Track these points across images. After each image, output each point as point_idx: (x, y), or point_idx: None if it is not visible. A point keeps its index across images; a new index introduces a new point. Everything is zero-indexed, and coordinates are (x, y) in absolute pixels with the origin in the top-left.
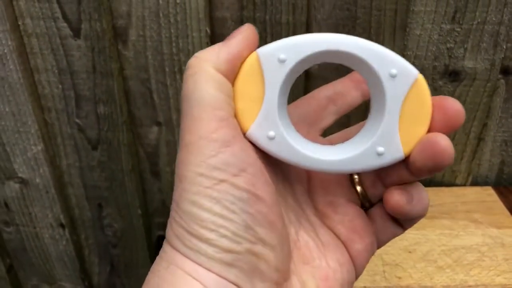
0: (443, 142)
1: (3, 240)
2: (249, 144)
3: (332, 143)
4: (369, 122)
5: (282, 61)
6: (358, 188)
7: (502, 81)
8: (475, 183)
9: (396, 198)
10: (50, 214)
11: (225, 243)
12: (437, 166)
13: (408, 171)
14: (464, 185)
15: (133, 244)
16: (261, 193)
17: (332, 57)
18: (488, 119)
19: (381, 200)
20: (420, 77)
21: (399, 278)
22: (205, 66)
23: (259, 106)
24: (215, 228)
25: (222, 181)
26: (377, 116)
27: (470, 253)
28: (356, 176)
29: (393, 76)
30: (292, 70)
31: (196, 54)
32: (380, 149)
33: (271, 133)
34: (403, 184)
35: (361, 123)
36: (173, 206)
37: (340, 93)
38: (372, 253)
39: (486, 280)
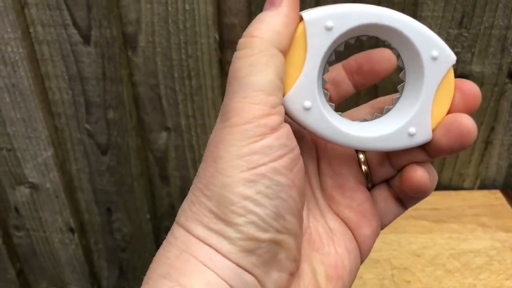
0: (468, 122)
1: (13, 245)
2: (291, 128)
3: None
4: (403, 102)
5: (328, 29)
6: (364, 167)
7: (510, 85)
8: (483, 187)
9: (420, 174)
10: (60, 218)
11: (251, 230)
12: (462, 146)
13: (424, 152)
14: (472, 188)
15: (142, 248)
16: (296, 180)
17: (377, 31)
18: (495, 122)
19: (383, 181)
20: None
21: (408, 282)
22: (267, 48)
23: (298, 73)
24: (244, 213)
25: (262, 164)
26: (412, 97)
27: (479, 257)
28: (362, 156)
29: (434, 59)
30: (337, 39)
31: (254, 33)
32: (412, 129)
33: (308, 103)
34: (415, 163)
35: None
36: (199, 186)
37: (334, 80)
38: (377, 237)
39: (495, 284)
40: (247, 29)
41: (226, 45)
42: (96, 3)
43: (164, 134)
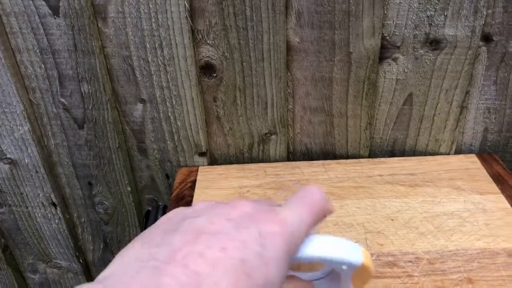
0: None
1: None
2: None
3: None
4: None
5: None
6: None
7: (484, 48)
8: (459, 152)
9: None
10: (41, 193)
11: None
12: None
13: None
14: (448, 153)
15: (125, 220)
16: None
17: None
18: (470, 86)
19: None
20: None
21: (381, 245)
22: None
23: None
24: None
25: None
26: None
27: (452, 219)
28: None
29: (345, 268)
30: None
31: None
32: None
33: None
34: None
35: None
36: None
37: None
38: None
39: (466, 244)
40: None
41: (197, 13)
42: None
43: (139, 106)
